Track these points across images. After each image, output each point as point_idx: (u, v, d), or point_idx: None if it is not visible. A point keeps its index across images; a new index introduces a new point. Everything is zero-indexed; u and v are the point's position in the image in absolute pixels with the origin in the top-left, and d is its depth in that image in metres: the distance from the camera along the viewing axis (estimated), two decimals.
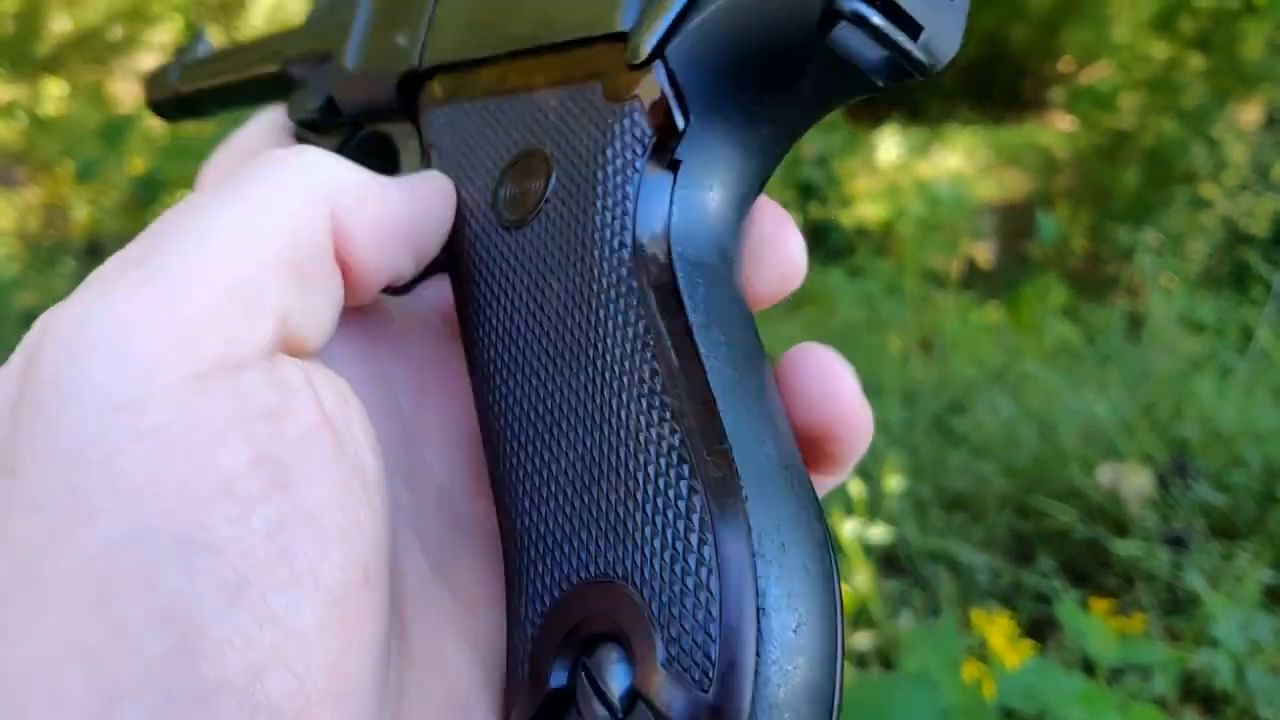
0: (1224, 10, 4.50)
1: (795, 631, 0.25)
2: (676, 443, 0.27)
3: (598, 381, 0.29)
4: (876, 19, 0.27)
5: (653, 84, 0.30)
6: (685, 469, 0.26)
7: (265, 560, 0.23)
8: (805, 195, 3.61)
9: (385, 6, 0.40)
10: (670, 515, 0.26)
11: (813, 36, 0.27)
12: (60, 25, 4.95)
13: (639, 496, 0.27)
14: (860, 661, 1.59)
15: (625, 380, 0.28)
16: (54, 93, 4.37)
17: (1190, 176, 3.91)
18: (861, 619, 1.64)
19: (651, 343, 0.28)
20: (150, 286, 0.25)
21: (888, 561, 1.83)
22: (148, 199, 3.22)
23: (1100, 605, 1.22)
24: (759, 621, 0.24)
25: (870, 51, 0.28)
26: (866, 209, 3.97)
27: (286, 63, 0.45)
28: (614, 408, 0.28)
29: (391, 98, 0.38)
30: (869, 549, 1.70)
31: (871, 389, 2.36)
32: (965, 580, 1.75)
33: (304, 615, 0.23)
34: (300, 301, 0.28)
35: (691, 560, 0.25)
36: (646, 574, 0.26)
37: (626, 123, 0.30)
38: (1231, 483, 1.77)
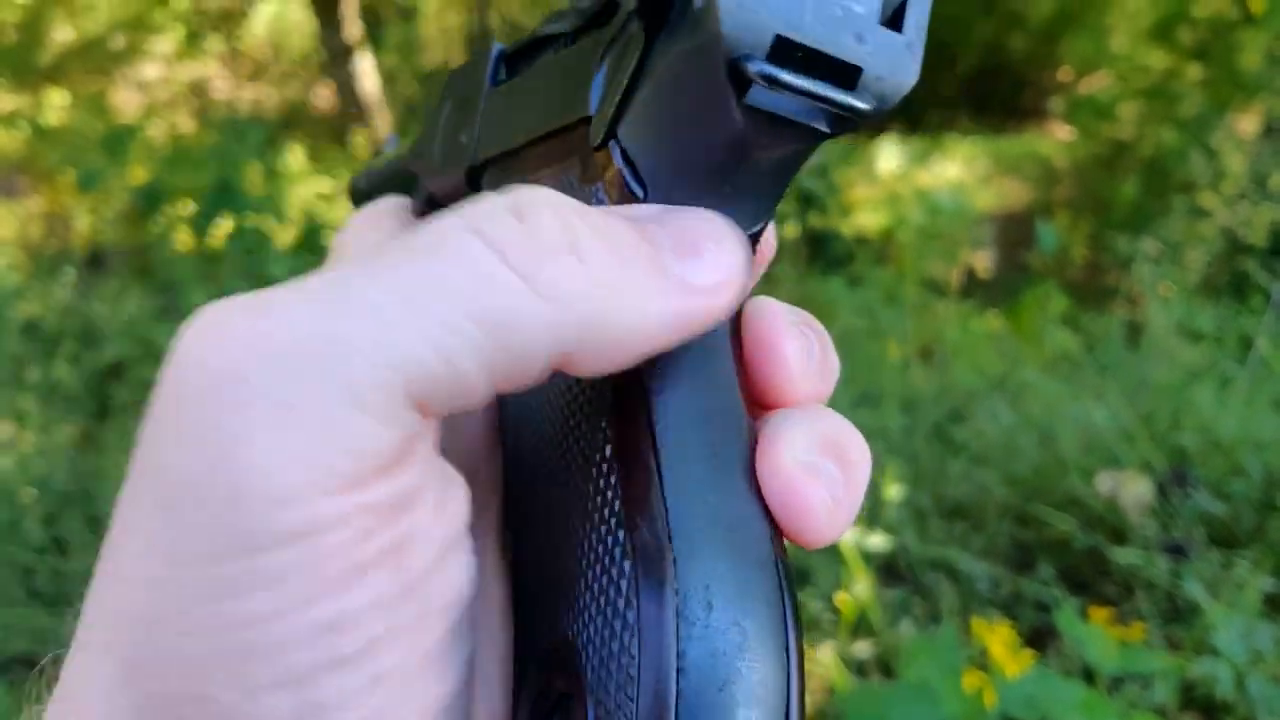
0: (1222, 20, 4.52)
1: (721, 690, 0.25)
2: (617, 508, 0.28)
3: (562, 447, 0.31)
4: (788, 77, 0.26)
5: (609, 161, 0.31)
6: (621, 534, 0.27)
7: (360, 649, 0.25)
8: (805, 204, 3.62)
9: (455, 112, 0.45)
10: (605, 581, 0.27)
11: (732, 102, 0.27)
12: (62, 35, 4.96)
13: (583, 563, 0.28)
14: (860, 670, 1.59)
15: (580, 445, 0.30)
16: (56, 102, 4.38)
17: (1189, 186, 3.92)
18: (861, 628, 1.64)
19: (605, 406, 0.29)
20: (314, 365, 0.25)
21: (887, 570, 1.83)
22: (149, 208, 3.23)
23: (1100, 614, 1.22)
24: (678, 683, 0.25)
25: (798, 106, 0.28)
26: (866, 218, 3.98)
27: (410, 162, 0.51)
28: (570, 474, 0.30)
29: (463, 188, 0.42)
30: (869, 557, 1.70)
31: (871, 397, 2.37)
32: (965, 589, 1.75)
33: (405, 659, 0.25)
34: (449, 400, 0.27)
35: (618, 624, 0.26)
36: (585, 638, 0.27)
37: (596, 198, 0.32)
38: (1231, 491, 1.77)
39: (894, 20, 0.28)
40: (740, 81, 0.27)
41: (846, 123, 0.29)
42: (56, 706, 0.26)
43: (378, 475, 0.25)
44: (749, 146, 0.29)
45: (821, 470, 0.30)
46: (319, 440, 0.24)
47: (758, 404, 0.32)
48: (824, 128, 0.29)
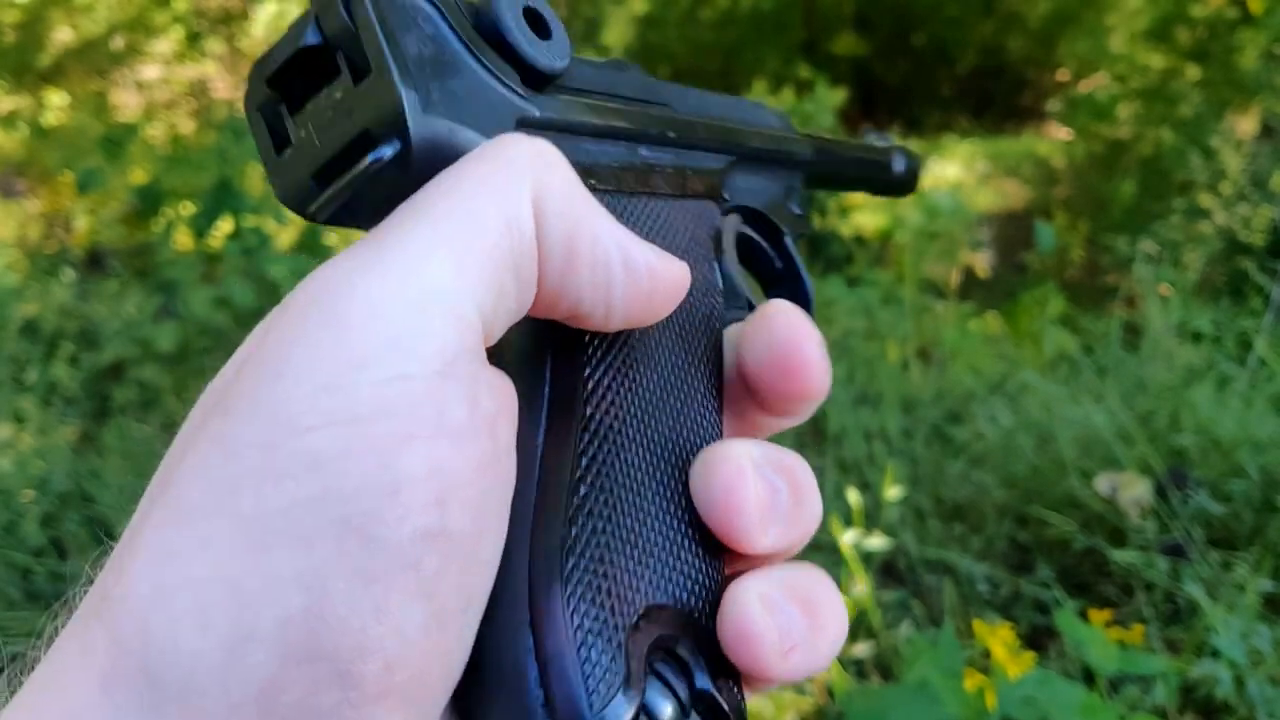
0: (1221, 21, 4.52)
1: None
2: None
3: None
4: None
5: None
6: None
7: (401, 565, 0.26)
8: (804, 205, 3.61)
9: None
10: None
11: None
12: (62, 35, 4.96)
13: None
14: (859, 671, 1.60)
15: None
16: (55, 103, 4.38)
17: (1187, 186, 3.92)
18: (860, 628, 1.64)
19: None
20: (378, 275, 0.28)
21: (886, 571, 1.84)
22: (149, 209, 3.22)
23: (1100, 616, 1.22)
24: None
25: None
26: (865, 219, 3.98)
27: None
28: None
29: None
30: (868, 558, 1.71)
31: (870, 399, 2.38)
32: (964, 590, 1.75)
33: (413, 619, 0.26)
34: (501, 303, 0.30)
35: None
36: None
37: None
38: (1230, 492, 1.77)
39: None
40: None
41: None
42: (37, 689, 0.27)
43: (430, 369, 0.27)
44: None
45: (778, 611, 0.33)
46: (365, 335, 0.27)
47: (720, 549, 0.35)
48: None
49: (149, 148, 3.72)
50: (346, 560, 0.25)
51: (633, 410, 0.35)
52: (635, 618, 0.30)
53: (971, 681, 1.03)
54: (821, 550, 1.84)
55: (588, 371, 0.34)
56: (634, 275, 0.32)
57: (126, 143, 3.39)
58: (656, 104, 0.43)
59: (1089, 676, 1.45)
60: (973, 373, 2.52)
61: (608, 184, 0.38)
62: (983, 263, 3.97)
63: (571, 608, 0.29)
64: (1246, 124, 4.34)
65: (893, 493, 1.72)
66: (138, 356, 2.63)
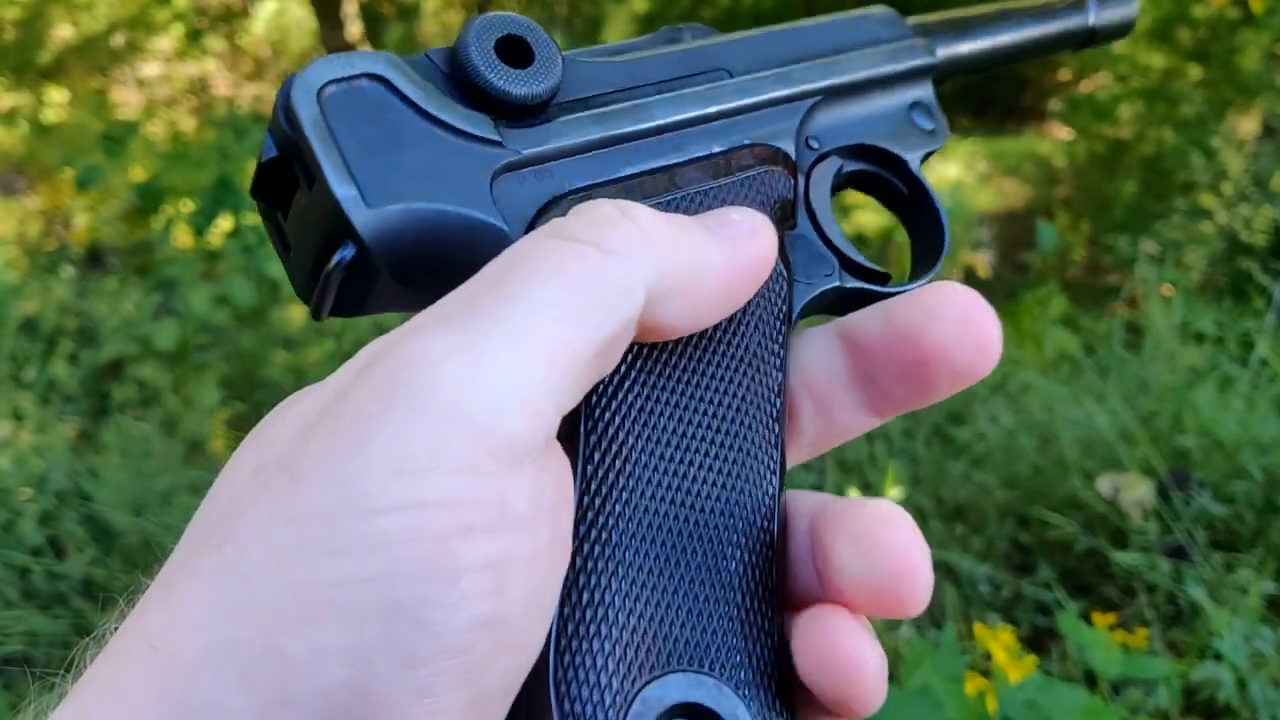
0: (1222, 21, 4.51)
1: None
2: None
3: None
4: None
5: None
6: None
7: (451, 649, 0.26)
8: None
9: None
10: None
11: None
12: (63, 33, 4.96)
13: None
14: None
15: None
16: (56, 100, 4.37)
17: (1189, 186, 3.91)
18: None
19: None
20: (466, 355, 0.28)
21: None
22: (148, 207, 3.22)
23: (1104, 619, 1.22)
24: None
25: None
26: (866, 218, 3.97)
27: None
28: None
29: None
30: None
31: None
32: (965, 591, 1.74)
33: (454, 703, 0.26)
34: (583, 389, 0.30)
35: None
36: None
37: None
38: (1232, 493, 1.76)
39: None
40: None
41: None
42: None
43: (502, 463, 0.27)
44: None
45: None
46: (444, 423, 0.27)
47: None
48: None
49: (149, 145, 3.72)
50: (394, 641, 0.26)
51: (645, 480, 0.33)
52: (631, 699, 0.29)
53: (973, 685, 1.03)
54: None
55: (593, 438, 0.33)
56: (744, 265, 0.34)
57: (126, 140, 3.39)
58: (705, 73, 0.41)
59: (1091, 679, 1.45)
60: None
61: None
62: (984, 262, 3.97)
63: (562, 700, 0.29)
64: (1248, 124, 4.33)
65: (894, 493, 1.71)
66: (137, 354, 2.62)
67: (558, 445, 0.30)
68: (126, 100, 4.92)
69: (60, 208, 3.75)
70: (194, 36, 5.27)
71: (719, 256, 0.33)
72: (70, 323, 2.76)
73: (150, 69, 5.24)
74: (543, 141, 0.36)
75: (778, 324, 0.37)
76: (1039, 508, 1.85)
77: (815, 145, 0.44)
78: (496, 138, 0.35)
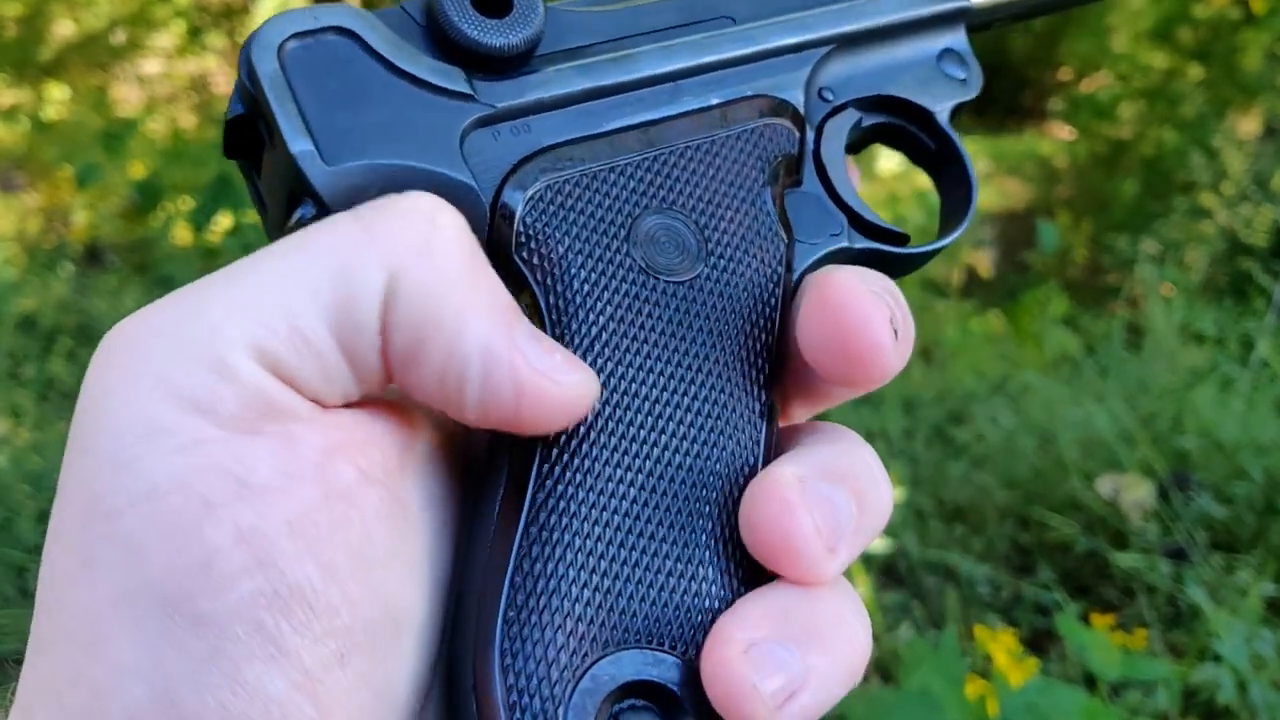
0: (1224, 21, 4.51)
1: None
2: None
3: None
4: None
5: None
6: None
7: (240, 634, 0.25)
8: None
9: None
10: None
11: None
12: (63, 29, 4.95)
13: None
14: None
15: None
16: (56, 97, 4.37)
17: (1189, 186, 3.91)
18: None
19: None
20: (171, 337, 0.27)
21: (887, 573, 1.83)
22: (148, 204, 3.21)
23: (1103, 621, 1.21)
24: None
25: None
26: None
27: None
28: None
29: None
30: (868, 560, 1.70)
31: (871, 398, 2.37)
32: (965, 592, 1.74)
33: (276, 683, 0.25)
34: (325, 372, 0.28)
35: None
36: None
37: None
38: (1233, 495, 1.76)
39: None
40: None
41: None
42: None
43: (230, 430, 0.26)
44: None
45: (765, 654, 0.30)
46: (154, 400, 0.26)
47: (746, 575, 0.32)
48: None
49: (149, 142, 3.71)
50: (179, 642, 0.24)
51: (609, 447, 0.31)
52: (580, 674, 0.28)
53: (973, 688, 1.02)
54: None
55: None
56: (494, 391, 0.29)
57: (126, 137, 3.38)
58: (705, 21, 0.39)
59: (1090, 680, 1.45)
60: (974, 373, 2.51)
61: (594, 158, 0.35)
62: (985, 262, 3.96)
63: (507, 672, 0.28)
64: (1249, 124, 4.33)
65: (894, 494, 1.71)
66: None
67: (318, 408, 0.28)
68: (127, 97, 4.91)
69: (60, 205, 3.74)
70: (195, 34, 5.27)
71: (481, 330, 0.29)
72: (69, 320, 2.76)
73: (151, 66, 5.23)
74: (520, 94, 0.34)
75: (770, 286, 0.35)
76: (1039, 508, 1.84)
77: (829, 97, 0.41)
78: (468, 91, 0.34)
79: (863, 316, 0.31)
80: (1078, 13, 5.80)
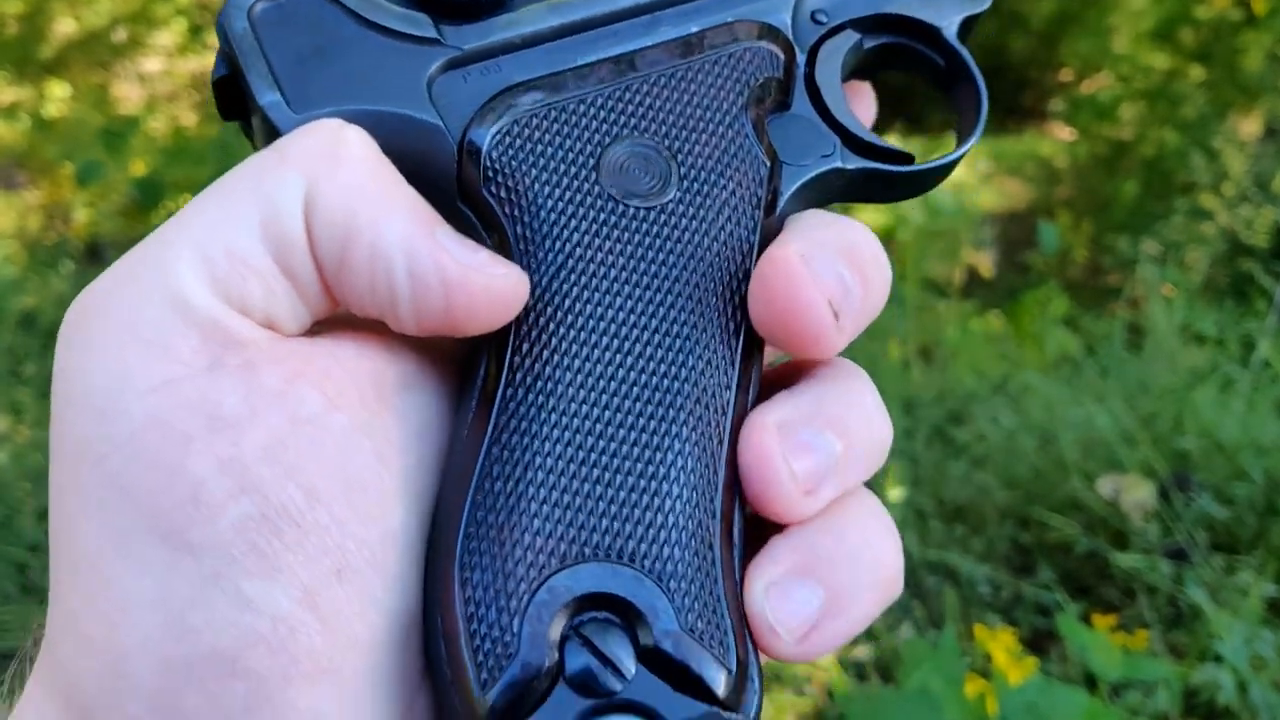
0: (1225, 22, 4.51)
1: None
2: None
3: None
4: None
5: None
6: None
7: (237, 555, 0.27)
8: None
9: None
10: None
11: None
12: (64, 27, 4.95)
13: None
14: (859, 673, 1.59)
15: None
16: (57, 94, 4.37)
17: (1190, 187, 3.91)
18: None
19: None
20: (129, 290, 0.29)
21: None
22: (149, 202, 3.21)
23: (1104, 621, 1.21)
24: None
25: None
26: (867, 217, 3.97)
27: None
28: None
29: None
30: None
31: None
32: (965, 592, 1.74)
33: (277, 600, 0.27)
34: (273, 298, 0.30)
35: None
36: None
37: None
38: (1233, 495, 1.76)
39: None
40: None
41: None
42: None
43: (195, 367, 0.28)
44: None
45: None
46: (122, 351, 0.28)
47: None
48: None
49: (150, 140, 3.71)
50: (182, 569, 0.26)
51: (574, 369, 0.32)
52: (536, 586, 0.29)
53: (973, 687, 1.02)
54: None
55: (524, 327, 0.32)
56: (422, 288, 0.30)
57: (127, 135, 3.38)
58: None
59: (1091, 680, 1.45)
60: (974, 373, 2.51)
61: (563, 91, 0.35)
62: (985, 262, 3.97)
63: (465, 584, 0.29)
64: (1250, 125, 4.33)
65: (894, 493, 1.71)
66: None
67: (275, 336, 0.30)
68: (128, 95, 4.91)
69: (60, 202, 3.74)
70: (195, 32, 5.27)
71: (400, 236, 0.30)
72: None
73: (152, 64, 5.23)
74: (487, 35, 0.35)
75: (749, 209, 0.35)
76: (1039, 509, 1.84)
77: (823, 19, 0.40)
78: (434, 35, 0.35)
79: (800, 301, 0.32)
80: (1078, 13, 5.80)
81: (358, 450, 0.29)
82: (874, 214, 4.07)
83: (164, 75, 5.24)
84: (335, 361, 0.30)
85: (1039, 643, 1.64)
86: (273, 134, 0.33)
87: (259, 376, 0.28)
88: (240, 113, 0.35)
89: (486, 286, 0.30)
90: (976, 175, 5.48)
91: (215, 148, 3.39)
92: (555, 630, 0.29)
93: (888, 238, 3.76)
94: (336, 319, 0.32)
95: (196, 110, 4.94)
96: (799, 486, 0.31)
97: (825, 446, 0.32)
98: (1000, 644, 1.05)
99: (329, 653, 0.27)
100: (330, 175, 0.30)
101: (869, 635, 1.62)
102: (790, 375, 0.35)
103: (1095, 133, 4.99)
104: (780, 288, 0.32)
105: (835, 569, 0.31)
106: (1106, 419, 1.95)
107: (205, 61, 5.51)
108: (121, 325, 0.28)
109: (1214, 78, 4.50)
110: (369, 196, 0.30)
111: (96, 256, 3.37)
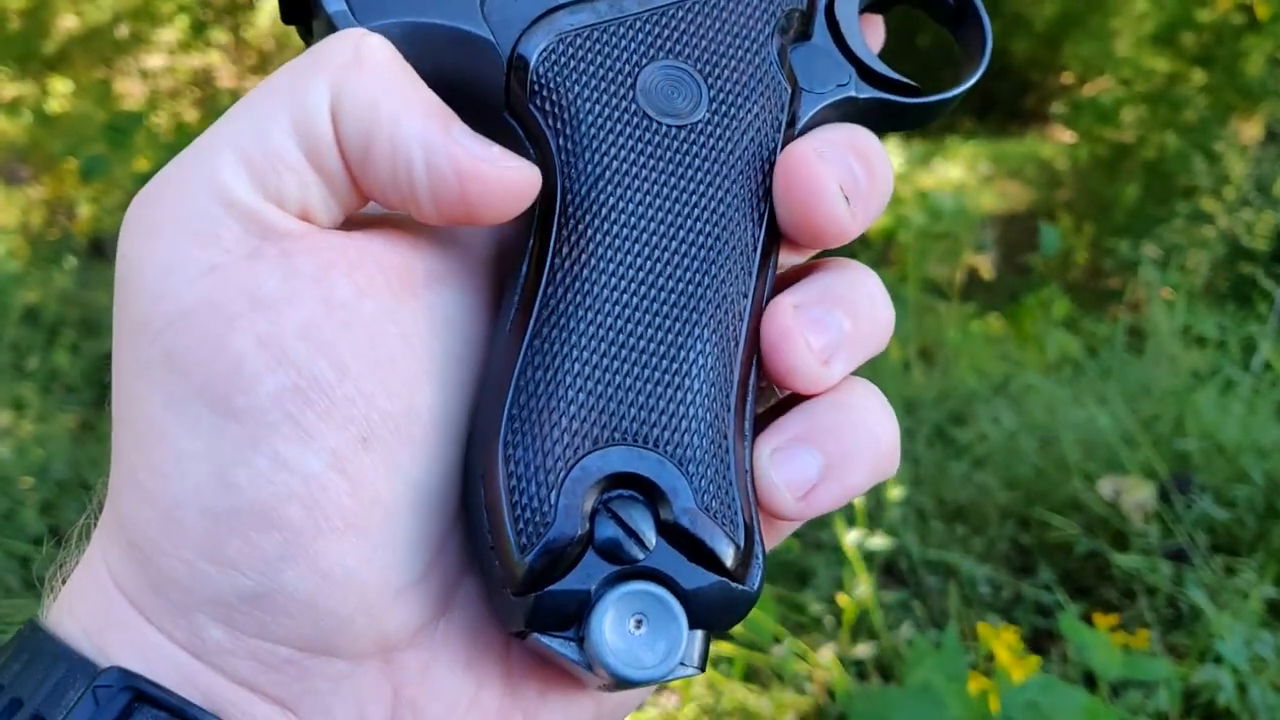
0: (1227, 26, 4.51)
1: None
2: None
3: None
4: None
5: None
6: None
7: (274, 421, 0.30)
8: None
9: None
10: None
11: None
12: (67, 23, 4.95)
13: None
14: (860, 672, 1.59)
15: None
16: (60, 90, 4.37)
17: (1191, 191, 3.92)
18: (861, 629, 1.64)
19: None
20: (177, 184, 0.32)
21: (888, 571, 1.83)
22: None
23: (1105, 621, 1.22)
24: None
25: None
26: None
27: None
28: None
29: None
30: (870, 559, 1.70)
31: None
32: (966, 592, 1.75)
33: (309, 462, 0.30)
34: (308, 192, 0.33)
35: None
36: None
37: None
38: (1234, 497, 1.77)
39: None
40: None
41: None
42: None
43: (238, 254, 0.31)
44: None
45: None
46: (174, 240, 0.31)
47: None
48: None
49: (153, 136, 3.71)
50: (226, 432, 0.30)
51: (609, 273, 0.35)
52: (572, 464, 0.33)
53: (975, 685, 1.03)
54: (823, 550, 1.83)
55: (564, 231, 0.35)
56: (438, 179, 0.33)
57: (130, 131, 3.39)
58: None
59: (1091, 680, 1.45)
60: (975, 374, 2.52)
61: (605, 12, 0.38)
62: (986, 264, 3.97)
63: (508, 461, 0.32)
64: (1251, 129, 4.33)
65: (895, 493, 1.71)
66: None
67: (311, 226, 0.33)
68: (130, 91, 4.91)
69: (64, 198, 3.75)
70: (198, 29, 5.27)
71: (417, 129, 0.33)
72: (72, 313, 2.76)
73: (154, 60, 5.23)
74: None
75: (770, 131, 0.38)
76: (1040, 509, 1.85)
77: None
78: None
79: (816, 185, 0.36)
80: (1080, 16, 5.81)
81: (384, 334, 0.33)
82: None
83: (166, 71, 5.24)
84: (366, 254, 0.33)
85: (1039, 643, 1.65)
86: None
87: (295, 263, 0.32)
88: (301, 16, 0.38)
89: (499, 177, 0.33)
90: (978, 177, 5.49)
91: None
92: (587, 504, 0.32)
93: (889, 239, 3.77)
94: (368, 217, 0.36)
95: (199, 107, 4.95)
96: (816, 357, 0.36)
97: (836, 323, 0.36)
98: (1003, 642, 1.05)
99: (356, 510, 0.31)
100: (354, 78, 0.33)
101: (870, 634, 1.63)
102: (801, 273, 0.39)
103: (1097, 136, 4.99)
104: (797, 175, 0.36)
105: (835, 438, 0.36)
106: (1107, 420, 1.96)
107: (207, 59, 5.51)
108: (173, 217, 0.31)
109: (1215, 82, 4.50)
110: (389, 96, 0.33)
111: (99, 252, 3.37)
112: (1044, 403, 2.17)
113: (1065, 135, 5.76)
